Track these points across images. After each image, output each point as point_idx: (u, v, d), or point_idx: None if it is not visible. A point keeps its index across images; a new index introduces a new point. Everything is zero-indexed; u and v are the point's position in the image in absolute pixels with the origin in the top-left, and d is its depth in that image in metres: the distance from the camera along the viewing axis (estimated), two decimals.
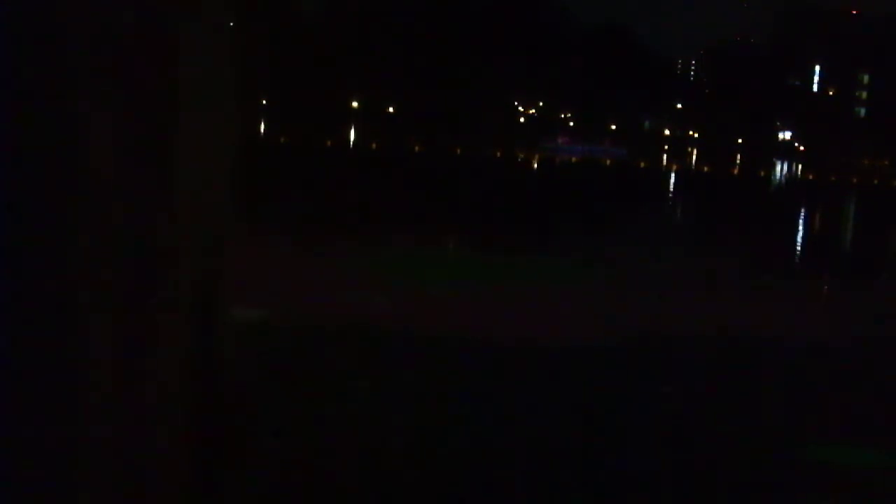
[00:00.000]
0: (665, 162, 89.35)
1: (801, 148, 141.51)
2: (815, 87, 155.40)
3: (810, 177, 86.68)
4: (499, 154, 68.83)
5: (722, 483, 7.93)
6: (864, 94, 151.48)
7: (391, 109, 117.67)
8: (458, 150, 66.24)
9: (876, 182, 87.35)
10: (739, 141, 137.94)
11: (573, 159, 72.36)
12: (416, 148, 66.88)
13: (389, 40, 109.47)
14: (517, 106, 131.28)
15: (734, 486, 7.87)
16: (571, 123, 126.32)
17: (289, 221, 23.09)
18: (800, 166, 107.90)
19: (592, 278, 18.35)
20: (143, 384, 1.55)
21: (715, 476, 8.04)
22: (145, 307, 1.54)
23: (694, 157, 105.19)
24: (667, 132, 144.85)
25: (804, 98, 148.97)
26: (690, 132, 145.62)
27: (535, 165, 65.66)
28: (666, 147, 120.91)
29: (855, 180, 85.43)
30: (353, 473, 7.38)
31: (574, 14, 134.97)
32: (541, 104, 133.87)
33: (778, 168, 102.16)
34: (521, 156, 70.53)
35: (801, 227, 38.49)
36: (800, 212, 47.24)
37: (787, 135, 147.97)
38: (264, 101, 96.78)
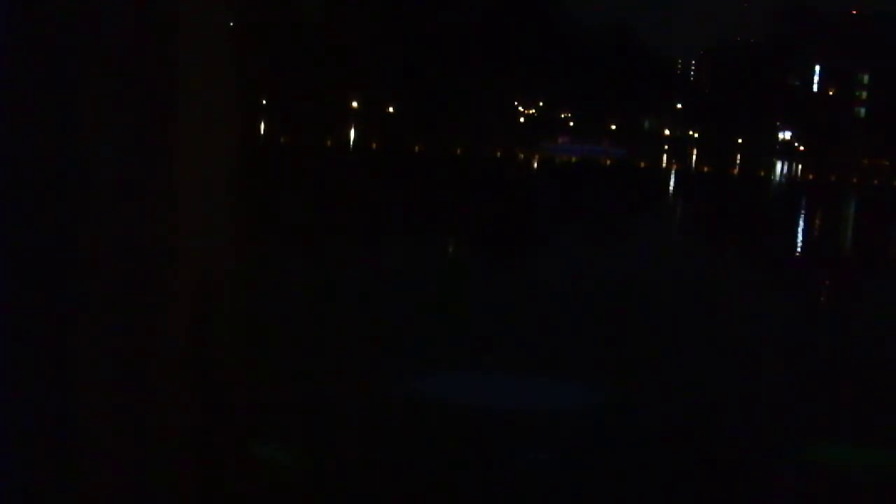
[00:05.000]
0: (665, 162, 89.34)
1: (801, 148, 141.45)
2: (815, 87, 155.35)
3: (810, 177, 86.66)
4: (499, 154, 68.82)
5: None
6: (864, 94, 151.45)
7: (391, 109, 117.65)
8: (459, 151, 66.21)
9: (876, 182, 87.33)
10: (739, 141, 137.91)
11: (573, 159, 72.35)
12: (416, 148, 66.86)
13: (390, 40, 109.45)
14: (517, 106, 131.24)
15: None
16: (571, 123, 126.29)
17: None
18: (800, 166, 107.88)
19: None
20: (143, 385, 1.54)
21: None
22: (146, 308, 1.54)
23: (694, 157, 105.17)
24: (667, 132, 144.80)
25: (804, 98, 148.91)
26: (690, 132, 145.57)
27: (535, 165, 65.67)
28: (666, 147, 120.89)
29: (855, 180, 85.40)
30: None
31: (574, 14, 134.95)
32: (541, 104, 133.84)
33: (778, 168, 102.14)
34: (522, 156, 70.54)
35: (801, 229, 38.49)
36: (800, 213, 47.22)
37: (787, 135, 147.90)
38: (264, 101, 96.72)
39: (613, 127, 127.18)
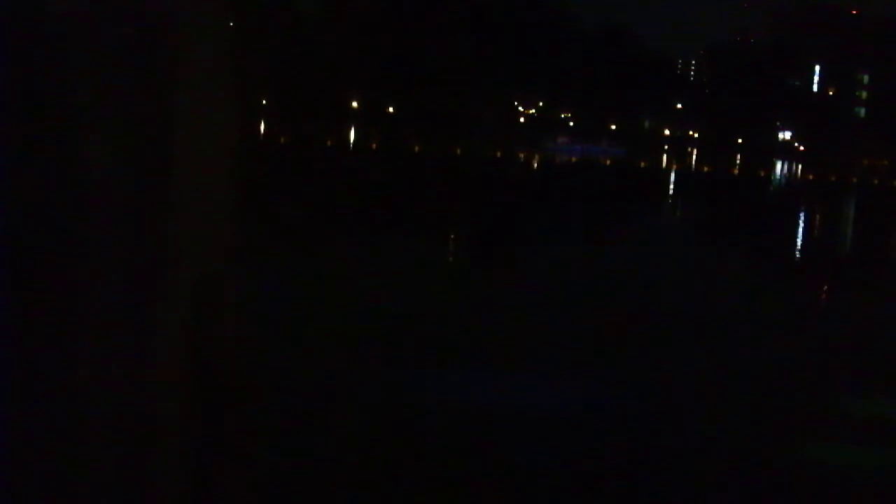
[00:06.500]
0: (665, 162, 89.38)
1: (801, 148, 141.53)
2: (815, 87, 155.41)
3: (810, 177, 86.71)
4: (499, 154, 68.86)
5: None
6: (864, 94, 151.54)
7: (391, 109, 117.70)
8: (458, 151, 66.26)
9: (876, 182, 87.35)
10: (739, 141, 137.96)
11: (573, 159, 72.41)
12: (416, 148, 66.88)
13: (389, 40, 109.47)
14: (517, 106, 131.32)
15: None
16: (571, 123, 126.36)
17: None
18: (800, 166, 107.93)
19: None
20: (143, 387, 1.56)
21: None
22: (144, 309, 1.55)
23: (694, 157, 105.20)
24: (667, 132, 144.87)
25: (804, 98, 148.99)
26: (690, 132, 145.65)
27: (535, 165, 65.71)
28: (666, 147, 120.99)
29: (855, 180, 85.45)
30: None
31: (574, 14, 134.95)
32: (541, 104, 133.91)
33: (778, 168, 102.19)
34: (522, 155, 70.59)
35: (801, 228, 38.49)
36: (800, 213, 47.23)
37: (787, 135, 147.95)
38: (264, 101, 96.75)
39: (613, 127, 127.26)
